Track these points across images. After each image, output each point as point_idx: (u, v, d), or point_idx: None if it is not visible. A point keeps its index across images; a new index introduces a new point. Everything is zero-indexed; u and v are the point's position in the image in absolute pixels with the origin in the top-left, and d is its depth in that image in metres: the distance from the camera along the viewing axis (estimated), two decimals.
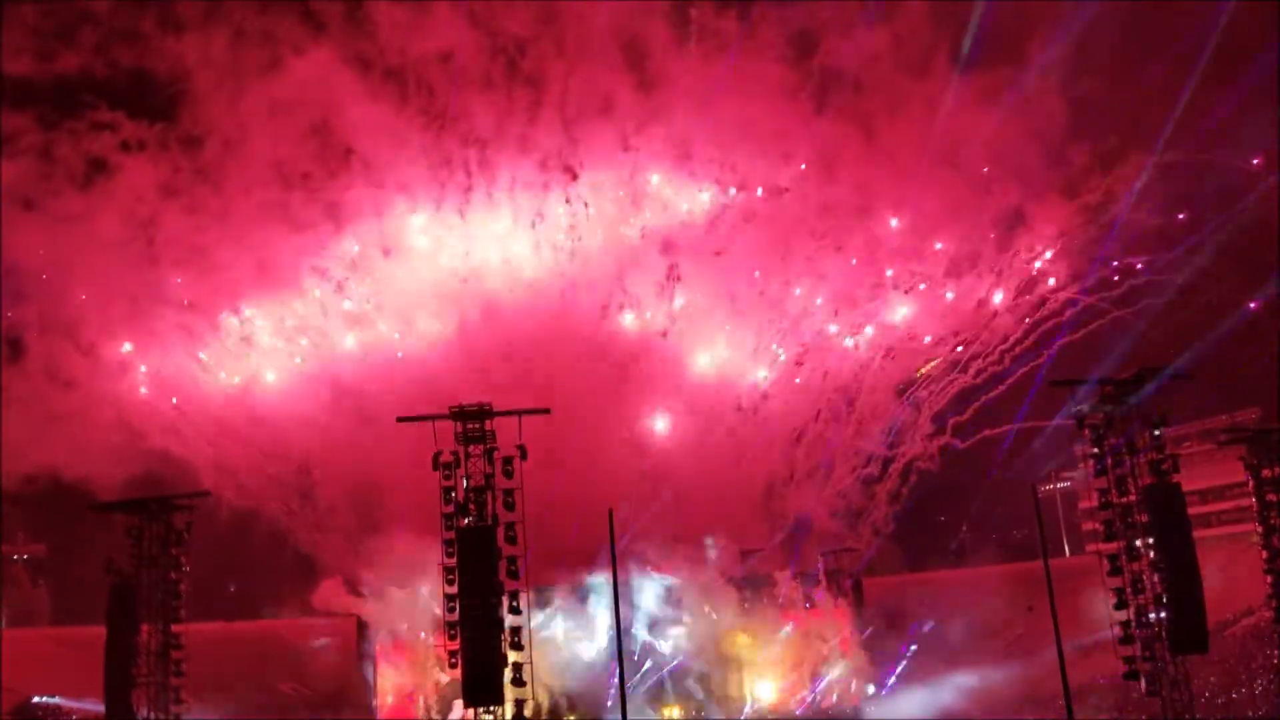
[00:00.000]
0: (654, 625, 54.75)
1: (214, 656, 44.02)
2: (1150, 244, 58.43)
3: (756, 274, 62.34)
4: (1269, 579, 36.71)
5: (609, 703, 51.12)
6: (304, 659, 53.80)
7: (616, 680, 32.49)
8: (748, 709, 56.65)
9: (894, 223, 61.57)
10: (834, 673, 56.65)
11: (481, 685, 29.27)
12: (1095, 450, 35.34)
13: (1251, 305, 53.21)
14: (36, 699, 52.35)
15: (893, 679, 55.81)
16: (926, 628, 55.26)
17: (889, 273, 62.37)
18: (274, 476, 56.93)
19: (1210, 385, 48.20)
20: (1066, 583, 41.35)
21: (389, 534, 51.39)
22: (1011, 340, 60.53)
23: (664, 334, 61.66)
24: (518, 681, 29.99)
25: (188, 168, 57.84)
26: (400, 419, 30.90)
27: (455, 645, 29.45)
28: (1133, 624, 33.82)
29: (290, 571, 58.52)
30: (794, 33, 59.21)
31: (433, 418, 29.91)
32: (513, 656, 30.02)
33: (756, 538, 60.72)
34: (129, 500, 36.36)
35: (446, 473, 30.35)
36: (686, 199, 63.17)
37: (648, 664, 54.52)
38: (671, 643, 55.29)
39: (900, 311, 62.94)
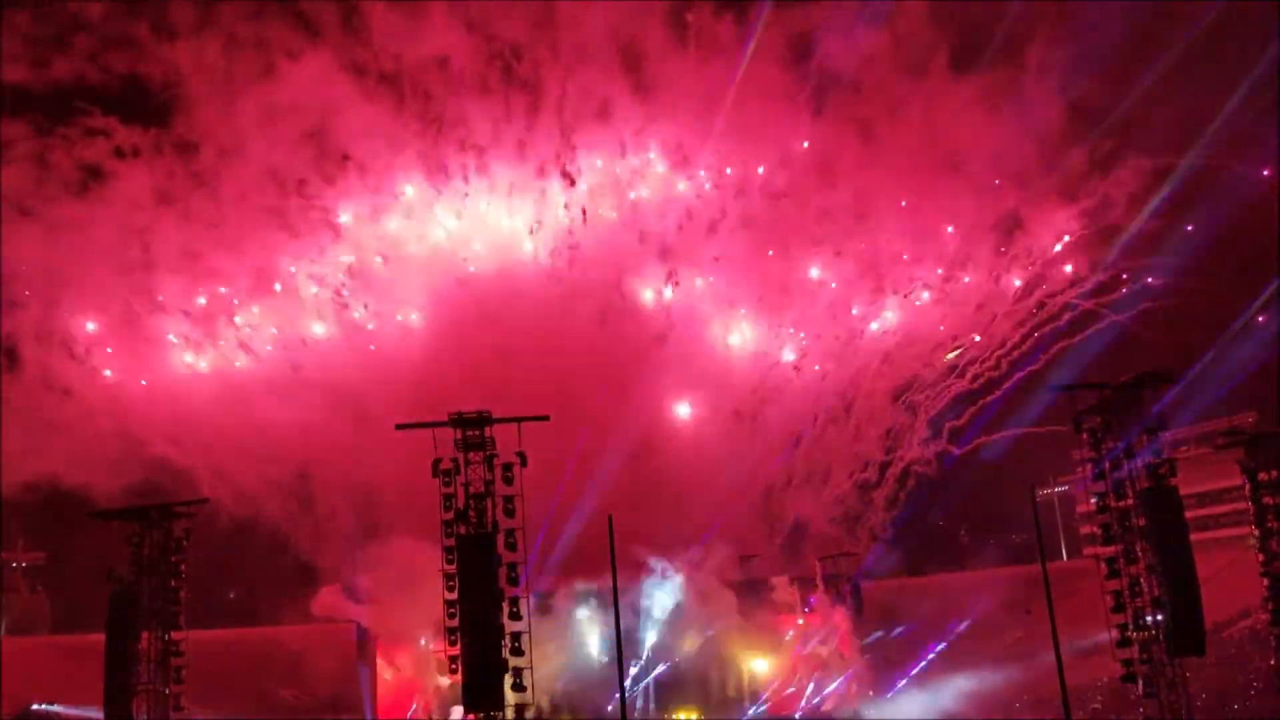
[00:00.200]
0: (657, 628, 54.91)
1: (213, 663, 43.97)
2: (1149, 249, 58.66)
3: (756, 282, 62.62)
4: (1265, 582, 36.73)
5: (609, 706, 51.17)
6: (303, 665, 53.71)
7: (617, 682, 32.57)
8: (748, 712, 56.70)
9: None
10: (833, 676, 56.75)
11: (481, 690, 29.27)
12: (1093, 454, 35.39)
13: (1249, 309, 53.34)
14: (36, 706, 52.24)
15: (894, 682, 55.86)
16: (923, 629, 55.31)
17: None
18: (273, 482, 56.96)
19: (1208, 389, 48.29)
20: (1064, 586, 41.48)
21: (388, 540, 51.43)
22: (1009, 345, 60.73)
23: (662, 337, 61.82)
24: (518, 687, 29.96)
25: (182, 173, 58.15)
26: (399, 426, 30.91)
27: (455, 650, 29.44)
28: (1130, 627, 33.89)
29: (290, 578, 58.52)
30: (793, 35, 59.62)
31: (432, 425, 29.91)
32: (513, 662, 29.97)
33: (755, 542, 60.84)
34: (129, 508, 36.33)
35: (446, 479, 30.33)
36: (684, 202, 63.33)
37: (654, 667, 54.71)
38: (672, 646, 55.43)
39: (888, 316, 63.19)
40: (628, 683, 49.07)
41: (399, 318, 61.76)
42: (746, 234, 62.82)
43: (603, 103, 61.44)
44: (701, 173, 63.20)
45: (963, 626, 53.76)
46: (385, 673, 54.93)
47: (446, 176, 62.24)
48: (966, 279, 62.64)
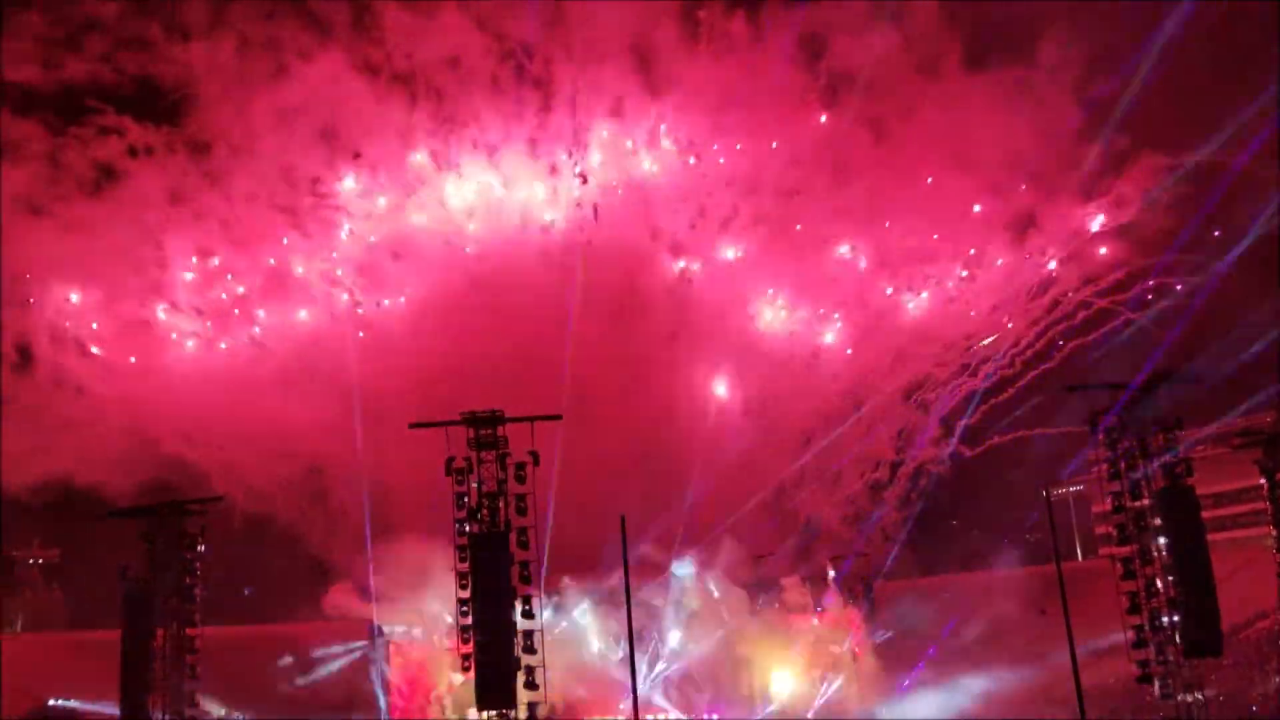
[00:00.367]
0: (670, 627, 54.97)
1: (227, 660, 44.16)
2: (1164, 246, 58.31)
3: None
4: None
5: (621, 704, 51.20)
6: (317, 662, 53.88)
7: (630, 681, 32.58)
8: (760, 712, 56.63)
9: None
10: (846, 677, 56.62)
11: (494, 689, 29.30)
12: (1109, 454, 35.23)
13: (1267, 307, 52.94)
14: (52, 702, 52.54)
15: (906, 683, 55.68)
16: (937, 630, 55.13)
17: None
18: (285, 480, 57.13)
19: (1225, 389, 47.95)
20: (1080, 586, 41.32)
21: (400, 538, 51.50)
22: (1024, 343, 60.43)
23: (675, 335, 61.72)
24: (531, 685, 30.00)
25: (195, 172, 58.42)
26: (413, 425, 30.98)
27: (468, 649, 29.48)
28: (1146, 627, 33.72)
29: (303, 576, 58.65)
30: (804, 34, 59.50)
31: (445, 424, 29.96)
32: (526, 660, 30.00)
33: (767, 542, 60.73)
34: (143, 506, 36.54)
35: (459, 478, 30.37)
36: (697, 200, 63.29)
37: (664, 665, 54.73)
38: (684, 644, 55.45)
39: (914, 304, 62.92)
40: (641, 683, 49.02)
41: (409, 313, 61.75)
42: (760, 230, 62.70)
43: (615, 100, 61.53)
44: (713, 171, 63.02)
45: (969, 625, 53.58)
46: (398, 670, 55.04)
47: (459, 175, 62.31)
48: (969, 275, 62.31)
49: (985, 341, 61.19)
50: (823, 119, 61.31)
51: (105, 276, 58.35)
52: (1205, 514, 34.25)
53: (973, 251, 61.89)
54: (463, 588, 29.80)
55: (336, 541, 56.70)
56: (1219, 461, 51.12)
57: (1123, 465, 35.00)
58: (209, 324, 60.31)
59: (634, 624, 26.63)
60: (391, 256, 61.66)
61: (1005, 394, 60.43)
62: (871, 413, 62.88)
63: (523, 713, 29.84)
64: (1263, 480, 37.13)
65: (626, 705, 47.49)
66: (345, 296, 61.63)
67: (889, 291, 63.03)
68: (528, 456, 30.16)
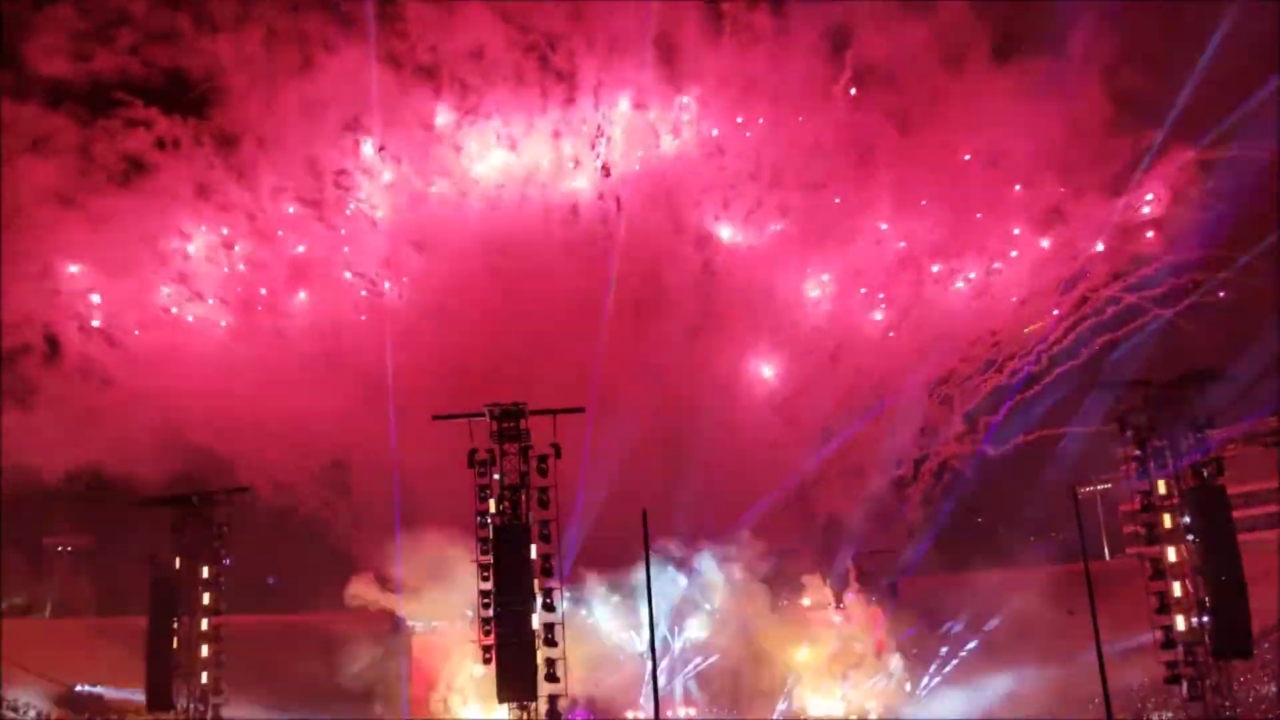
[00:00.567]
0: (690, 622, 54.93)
1: (252, 648, 44.46)
2: (1195, 242, 57.52)
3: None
4: None
5: (642, 700, 51.20)
6: (340, 652, 54.13)
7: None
8: (780, 707, 56.45)
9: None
10: (868, 674, 56.38)
11: (515, 681, 29.29)
12: (1138, 453, 34.78)
13: None
14: (79, 687, 53.08)
15: (931, 680, 55.34)
16: (962, 628, 54.76)
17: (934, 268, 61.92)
18: (310, 471, 57.44)
19: (1256, 387, 47.28)
20: (1107, 585, 40.80)
21: (423, 530, 51.64)
22: (1050, 339, 59.84)
23: (696, 328, 61.52)
24: (551, 677, 29.95)
25: (221, 165, 58.80)
26: (436, 417, 31.01)
27: (489, 641, 29.47)
28: (1174, 628, 33.30)
29: (327, 566, 58.93)
30: (829, 26, 59.16)
31: (468, 415, 29.94)
32: (546, 653, 29.96)
33: (789, 538, 60.49)
34: (171, 496, 36.85)
35: (481, 470, 30.34)
36: (720, 193, 63.07)
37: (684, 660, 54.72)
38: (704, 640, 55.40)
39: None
40: (661, 677, 48.96)
41: (432, 305, 61.84)
42: (783, 223, 62.43)
43: (639, 92, 61.42)
44: (735, 163, 62.78)
45: (994, 624, 53.17)
46: (419, 661, 55.23)
47: (483, 166, 62.38)
48: (996, 270, 61.76)
49: (1028, 329, 60.55)
50: (852, 91, 60.67)
51: (132, 267, 58.83)
52: (1235, 514, 33.80)
53: (1012, 255, 61.27)
54: (484, 580, 29.80)
55: (359, 533, 56.94)
56: (1250, 461, 50.50)
57: (1152, 464, 34.57)
58: (234, 315, 60.69)
59: (654, 618, 26.59)
60: (414, 248, 61.81)
61: (1032, 390, 59.93)
62: (896, 408, 62.48)
63: (543, 705, 29.80)
64: None
65: (646, 699, 47.47)
66: (368, 288, 61.86)
67: (911, 285, 62.63)
68: (550, 449, 30.08)
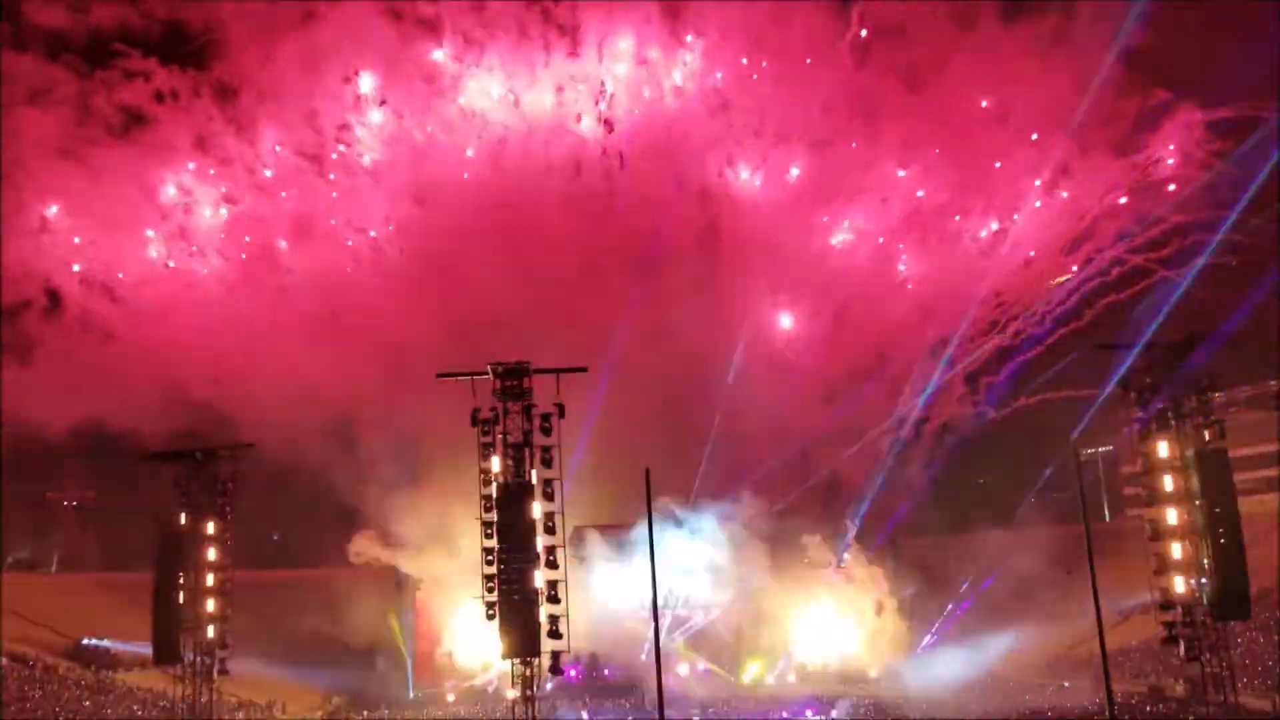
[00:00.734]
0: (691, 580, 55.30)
1: (257, 603, 44.85)
2: (1201, 203, 57.10)
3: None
4: None
5: (643, 656, 51.69)
6: (344, 607, 54.67)
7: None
8: (780, 663, 57.06)
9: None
10: (868, 633, 56.92)
11: (518, 638, 29.46)
12: (1141, 414, 34.81)
13: None
14: (86, 641, 53.61)
15: (930, 639, 55.83)
16: (962, 588, 55.18)
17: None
18: (314, 428, 57.52)
19: (1261, 351, 47.17)
20: (1107, 546, 41.01)
21: (426, 487, 51.86)
22: (1054, 301, 59.57)
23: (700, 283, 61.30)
24: (554, 634, 30.12)
25: (220, 117, 58.31)
26: (440, 375, 30.94)
27: (493, 598, 29.61)
28: (1173, 589, 33.48)
29: (331, 522, 59.28)
30: None
31: (472, 374, 29.85)
32: (549, 610, 30.10)
33: (790, 497, 60.73)
34: (177, 451, 36.90)
35: (485, 429, 30.32)
36: (724, 150, 62.57)
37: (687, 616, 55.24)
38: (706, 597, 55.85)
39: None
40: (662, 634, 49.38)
41: (435, 263, 61.55)
42: (786, 180, 61.95)
43: (642, 45, 60.72)
44: (742, 118, 62.16)
45: (993, 583, 53.51)
46: (422, 617, 55.79)
47: (485, 121, 61.80)
48: (1000, 229, 61.39)
49: (1056, 281, 60.22)
50: (862, 33, 59.90)
51: (131, 221, 58.52)
52: (1236, 477, 33.87)
53: (1015, 217, 60.77)
54: (488, 537, 29.89)
55: (363, 489, 57.12)
56: (1253, 425, 50.56)
57: (1154, 426, 34.59)
58: (234, 270, 60.41)
59: (657, 575, 26.76)
60: (415, 203, 61.40)
61: (1035, 352, 59.78)
62: (897, 369, 62.44)
63: (546, 661, 30.01)
64: None
65: (648, 655, 47.85)
66: (369, 243, 61.54)
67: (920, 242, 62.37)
68: (553, 408, 30.04)
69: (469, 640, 52.63)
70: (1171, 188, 58.10)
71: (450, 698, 55.71)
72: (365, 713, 52.59)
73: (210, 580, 36.41)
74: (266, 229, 60.79)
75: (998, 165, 59.93)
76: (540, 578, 29.76)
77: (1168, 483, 34.05)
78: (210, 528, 36.37)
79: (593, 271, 57.92)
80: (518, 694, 29.93)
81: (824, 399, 62.61)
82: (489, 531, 29.95)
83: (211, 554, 36.52)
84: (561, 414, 30.10)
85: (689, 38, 61.51)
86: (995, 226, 61.56)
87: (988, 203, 61.02)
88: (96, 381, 53.41)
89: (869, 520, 59.45)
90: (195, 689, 35.00)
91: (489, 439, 30.41)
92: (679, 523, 55.59)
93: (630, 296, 57.45)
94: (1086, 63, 54.66)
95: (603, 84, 61.60)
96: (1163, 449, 34.26)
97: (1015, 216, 60.88)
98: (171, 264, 59.82)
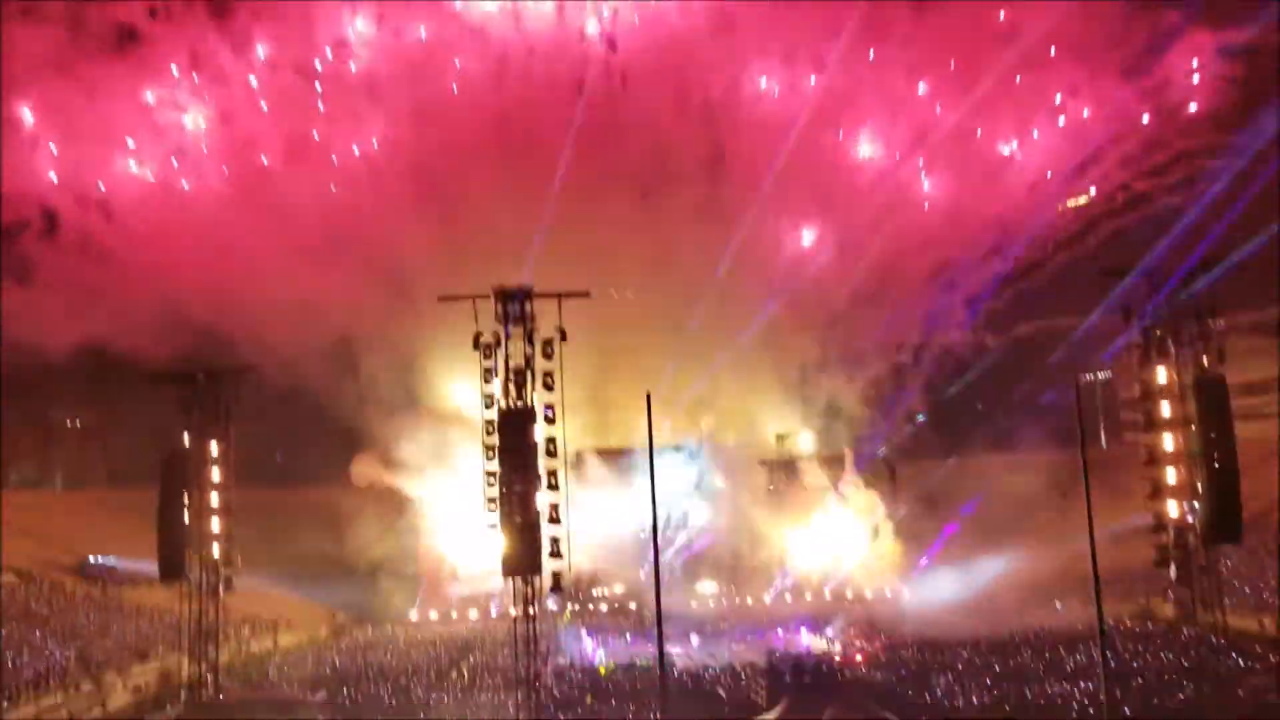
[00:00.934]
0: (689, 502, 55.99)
1: (261, 523, 45.37)
2: (1207, 129, 56.49)
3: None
4: None
5: (642, 576, 52.52)
6: (348, 528, 55.37)
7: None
8: (777, 584, 58.02)
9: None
10: (864, 555, 57.82)
11: (520, 557, 29.94)
12: (1141, 341, 34.90)
13: None
14: (92, 559, 54.33)
15: (926, 561, 56.68)
16: (958, 511, 55.81)
17: None
18: (315, 349, 57.65)
19: (1263, 278, 47.08)
20: (1103, 471, 41.35)
21: (428, 410, 52.16)
22: (1058, 226, 59.31)
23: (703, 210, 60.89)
24: (555, 554, 30.62)
25: (215, 33, 57.40)
26: (442, 297, 30.96)
27: (495, 520, 30.04)
28: (1166, 513, 33.96)
29: (334, 444, 59.71)
30: None
31: (473, 296, 29.84)
32: (551, 530, 30.56)
33: (790, 421, 61.18)
34: (179, 373, 36.95)
35: (487, 353, 30.41)
36: (729, 71, 61.63)
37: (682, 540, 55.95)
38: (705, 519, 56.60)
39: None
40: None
41: (436, 184, 61.03)
42: (788, 103, 61.15)
43: None
44: (749, 27, 61.06)
45: (990, 507, 54.09)
46: (424, 538, 56.55)
47: (486, 42, 60.79)
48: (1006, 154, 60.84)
49: (1074, 202, 59.87)
50: None
51: (126, 140, 57.93)
52: (1236, 402, 34.07)
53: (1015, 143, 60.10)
54: (490, 460, 30.19)
55: (364, 412, 57.46)
56: (1253, 352, 50.66)
57: (1154, 353, 34.73)
58: (232, 190, 59.89)
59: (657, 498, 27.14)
60: (416, 121, 60.61)
61: (1037, 277, 59.69)
62: (898, 293, 62.37)
63: (547, 580, 30.55)
64: None
65: (647, 578, 48.63)
66: (369, 163, 60.93)
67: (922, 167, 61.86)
68: (555, 333, 30.10)
69: (470, 560, 53.35)
70: (1193, 107, 57.35)
71: (453, 614, 56.83)
72: (370, 629, 53.68)
73: (214, 500, 36.76)
74: (263, 148, 60.21)
75: (1017, 80, 58.98)
76: (542, 500, 30.14)
77: (1165, 408, 34.31)
78: (213, 448, 36.58)
79: (596, 194, 57.45)
80: (519, 611, 30.52)
81: (826, 323, 62.72)
82: (490, 455, 30.25)
83: (215, 474, 36.80)
84: (563, 338, 30.18)
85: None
86: (1015, 145, 60.82)
87: (996, 125, 60.38)
88: (95, 302, 53.40)
89: (866, 445, 60.01)
90: (202, 606, 35.58)
91: (491, 363, 30.52)
92: (678, 447, 56.12)
93: (634, 219, 57.22)
94: None
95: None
96: (1161, 375, 34.46)
97: (1033, 134, 60.19)
98: (167, 183, 59.35)
